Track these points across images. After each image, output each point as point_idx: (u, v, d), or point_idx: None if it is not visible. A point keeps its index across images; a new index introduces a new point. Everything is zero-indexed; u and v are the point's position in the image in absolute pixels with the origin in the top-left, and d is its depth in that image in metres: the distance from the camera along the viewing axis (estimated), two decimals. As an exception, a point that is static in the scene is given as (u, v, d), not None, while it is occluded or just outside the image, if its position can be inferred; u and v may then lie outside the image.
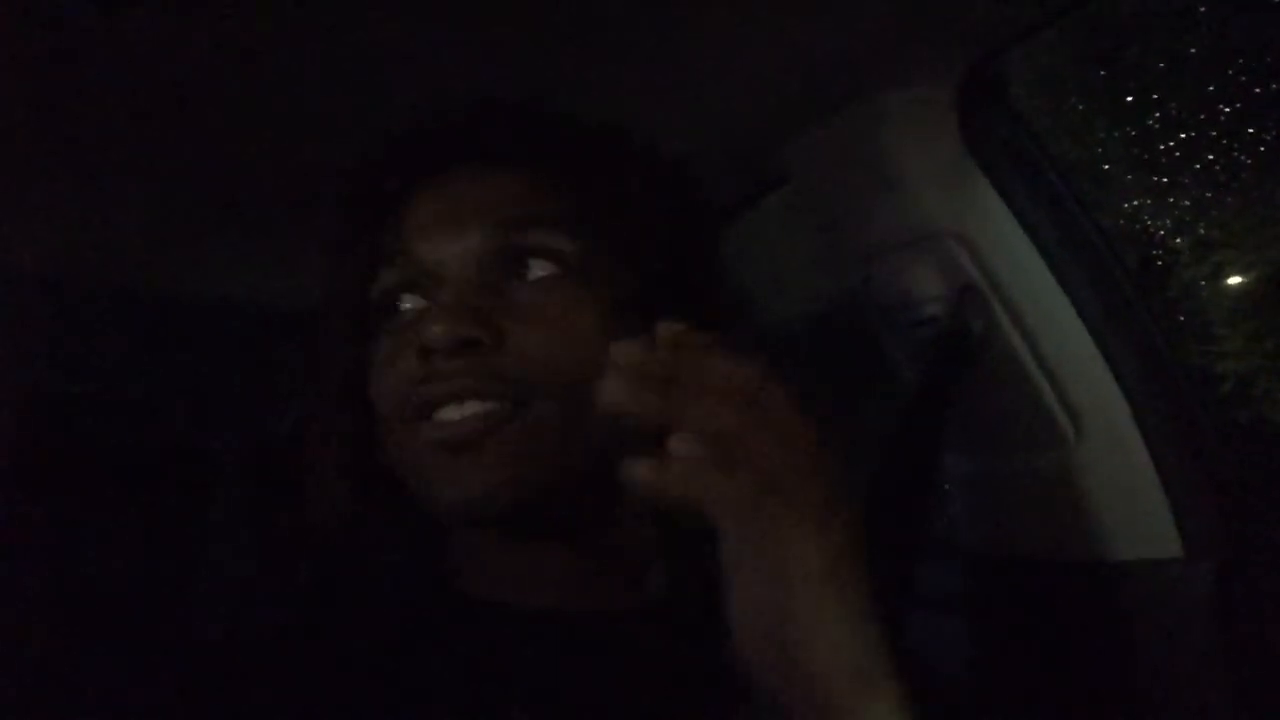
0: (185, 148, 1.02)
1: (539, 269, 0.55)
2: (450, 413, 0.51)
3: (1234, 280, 5.13)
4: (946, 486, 0.99)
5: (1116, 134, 5.09)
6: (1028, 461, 0.92)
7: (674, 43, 0.80)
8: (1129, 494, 0.87)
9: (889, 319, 0.99)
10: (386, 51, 0.79)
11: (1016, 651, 0.95)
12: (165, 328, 1.51)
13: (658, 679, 0.52)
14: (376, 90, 0.85)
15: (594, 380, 0.47)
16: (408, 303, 0.56)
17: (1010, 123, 0.90)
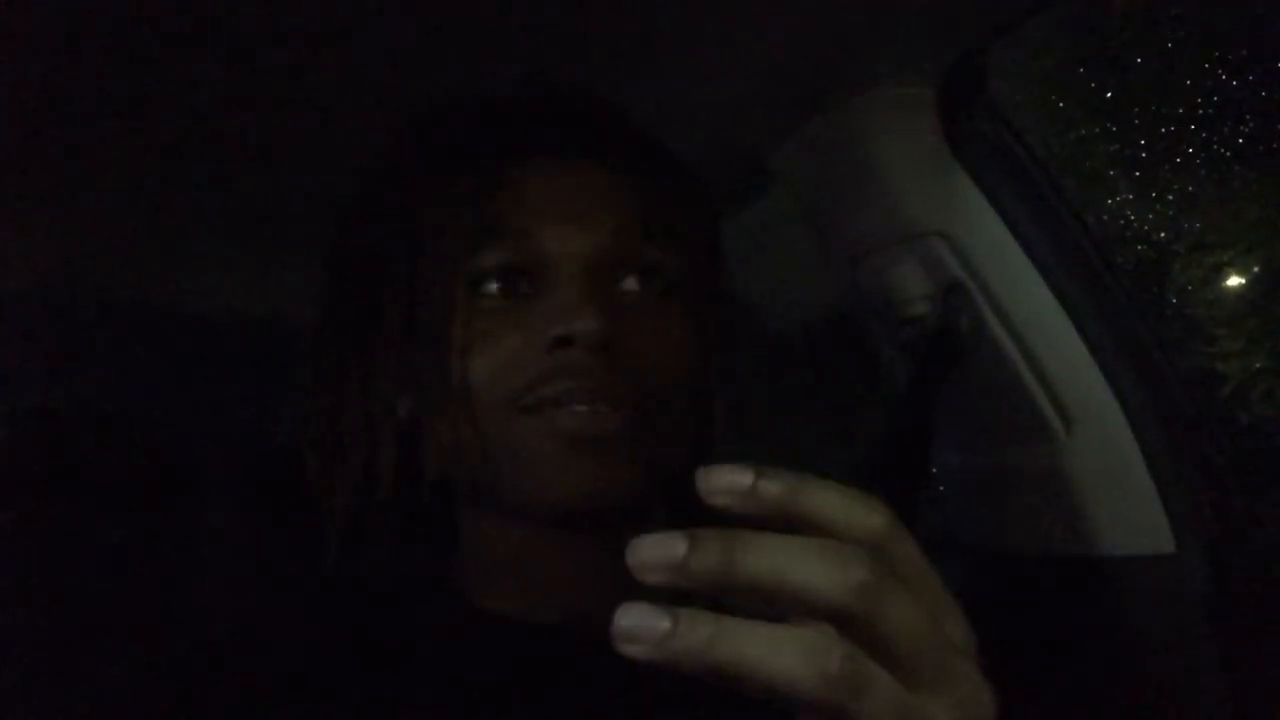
0: (174, 161, 1.03)
1: (644, 281, 0.56)
2: (578, 418, 0.50)
3: (1232, 281, 5.13)
4: (939, 485, 0.99)
5: (1099, 130, 5.10)
6: (1018, 458, 0.91)
7: (652, 51, 0.81)
8: (1120, 489, 0.87)
9: (877, 319, 0.99)
10: (374, 54, 0.79)
11: (1010, 648, 0.94)
12: (158, 341, 1.52)
13: (674, 694, 0.52)
14: (367, 98, 0.85)
15: (688, 397, 0.52)
16: (505, 286, 0.54)
17: (992, 120, 0.90)
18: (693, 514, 0.30)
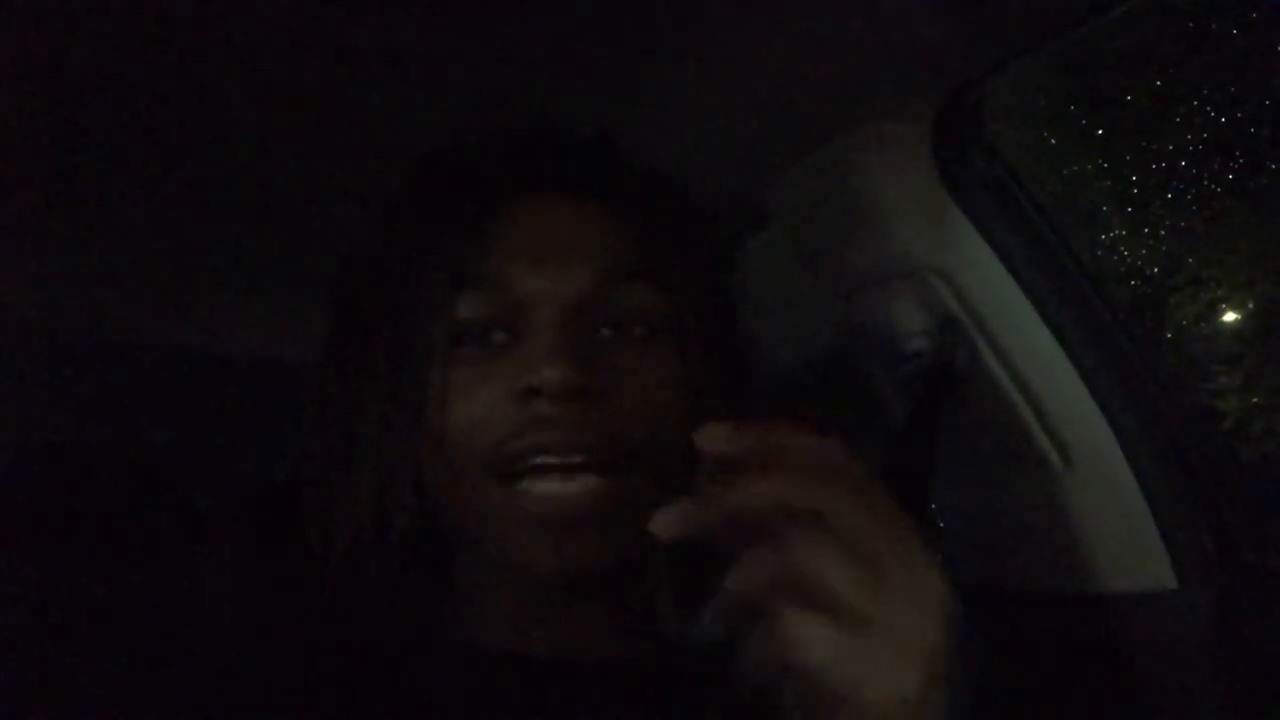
0: (175, 202, 1.04)
1: (629, 323, 0.53)
2: (549, 489, 0.49)
3: (1229, 318, 5.15)
4: (938, 522, 0.98)
5: (1090, 167, 5.16)
6: (1016, 494, 0.91)
7: (647, 89, 0.81)
8: (1120, 525, 0.86)
9: (873, 355, 0.99)
10: (378, 94, 0.80)
11: (1012, 686, 0.93)
12: (156, 378, 1.52)
13: None
14: (368, 137, 0.86)
15: (675, 448, 0.49)
16: (485, 333, 0.52)
17: (985, 156, 0.90)
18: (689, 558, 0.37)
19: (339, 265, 0.60)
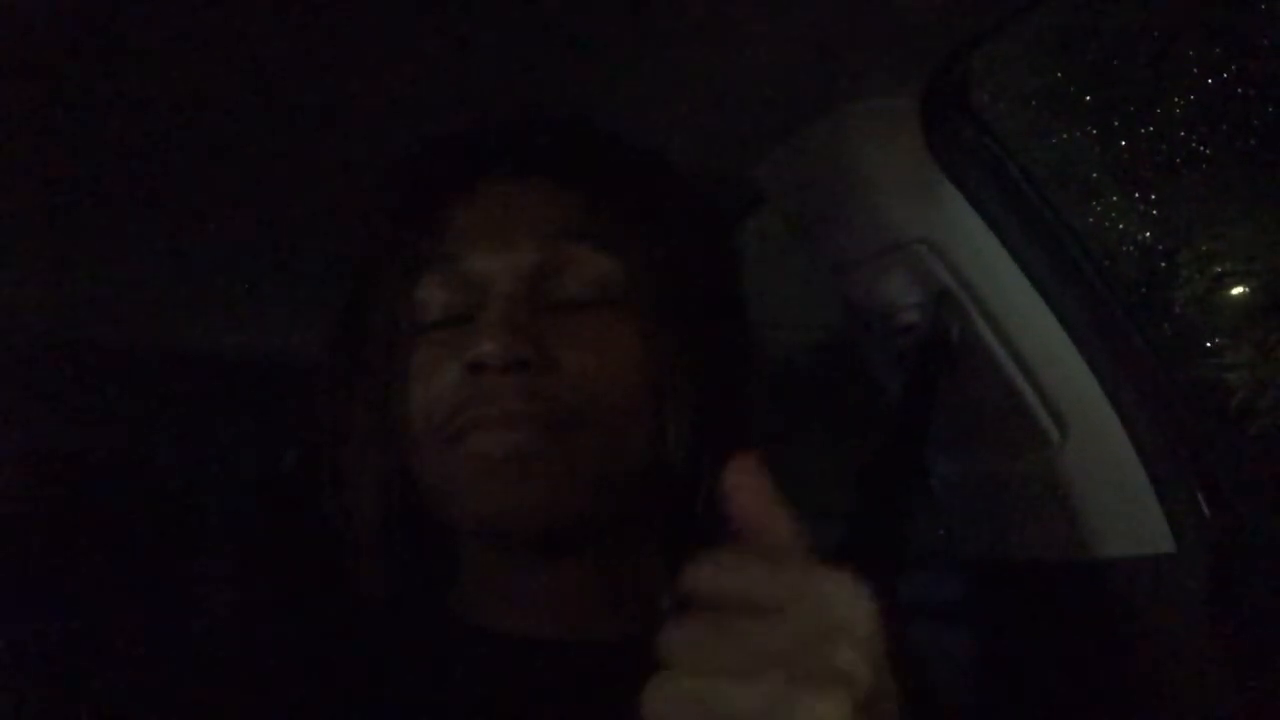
0: (173, 211, 1.05)
1: (583, 291, 0.54)
2: (488, 441, 0.50)
3: (1236, 291, 5.13)
4: (936, 494, 0.99)
5: (1080, 134, 5.11)
6: (1014, 464, 0.91)
7: (633, 72, 0.82)
8: (1118, 491, 0.87)
9: (868, 330, 0.99)
10: (369, 86, 0.80)
11: (1014, 654, 0.94)
12: (161, 382, 1.53)
13: None
14: (352, 132, 0.87)
15: (632, 409, 0.51)
16: (448, 314, 0.54)
17: (973, 128, 0.91)
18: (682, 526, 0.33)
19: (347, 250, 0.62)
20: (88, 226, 1.09)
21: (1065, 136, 5.09)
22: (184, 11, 0.67)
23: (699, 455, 0.55)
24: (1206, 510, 0.85)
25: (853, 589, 0.34)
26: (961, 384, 0.91)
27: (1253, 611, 0.81)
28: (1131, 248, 5.21)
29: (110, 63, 0.73)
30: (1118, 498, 0.87)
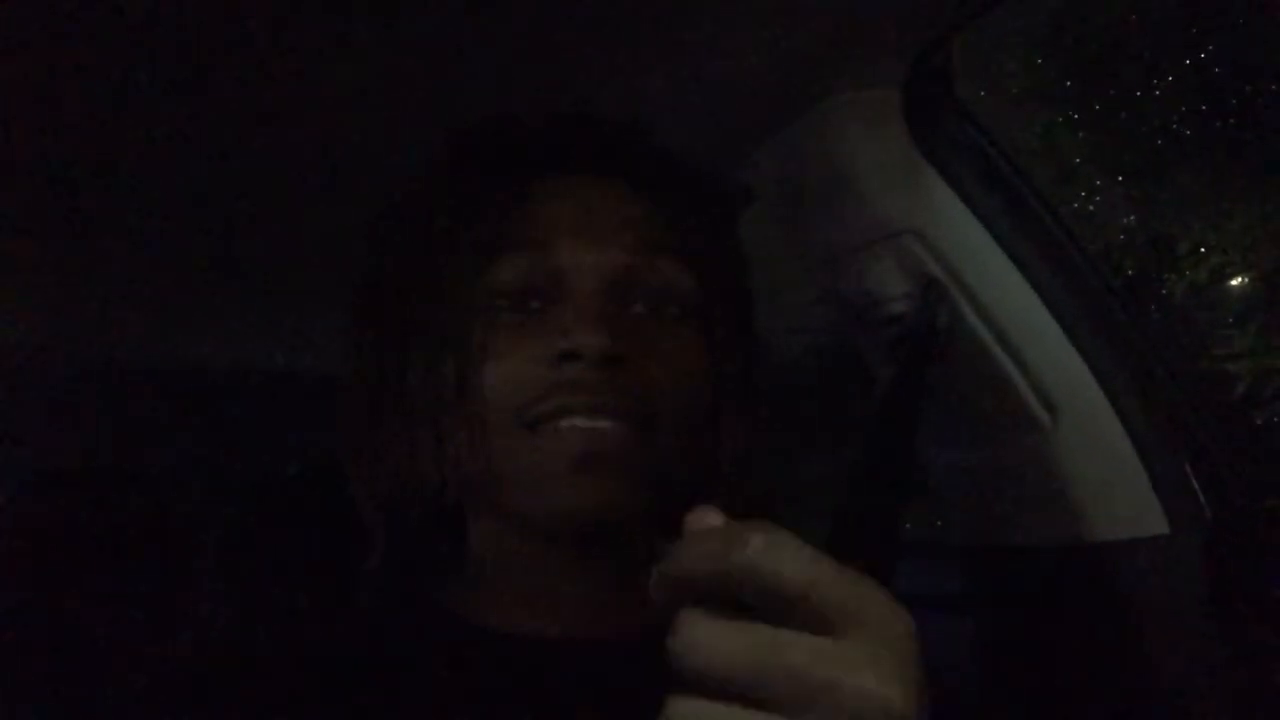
0: (170, 227, 1.05)
1: (661, 300, 0.56)
2: (573, 431, 0.51)
3: (1235, 282, 5.12)
4: (927, 482, 0.99)
5: (1064, 122, 5.09)
6: (1005, 450, 0.91)
7: (618, 68, 0.82)
8: (1111, 474, 0.87)
9: (858, 321, 1.00)
10: (382, 83, 0.81)
11: (1011, 640, 0.94)
12: (159, 397, 1.53)
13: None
14: (376, 133, 0.87)
15: (697, 418, 0.53)
16: (524, 299, 0.55)
17: (957, 117, 0.91)
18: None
19: (371, 228, 0.61)
20: (81, 240, 1.10)
21: (1046, 121, 5.08)
22: (185, 14, 0.68)
23: (747, 462, 0.58)
24: (1199, 491, 0.85)
25: (897, 612, 0.33)
26: (951, 372, 0.91)
27: (1246, 590, 0.81)
28: (1123, 240, 5.20)
29: (111, 69, 0.74)
30: (1110, 481, 0.87)
